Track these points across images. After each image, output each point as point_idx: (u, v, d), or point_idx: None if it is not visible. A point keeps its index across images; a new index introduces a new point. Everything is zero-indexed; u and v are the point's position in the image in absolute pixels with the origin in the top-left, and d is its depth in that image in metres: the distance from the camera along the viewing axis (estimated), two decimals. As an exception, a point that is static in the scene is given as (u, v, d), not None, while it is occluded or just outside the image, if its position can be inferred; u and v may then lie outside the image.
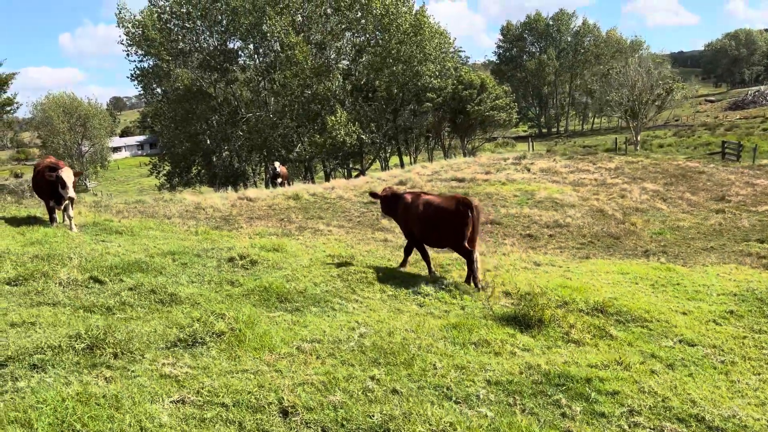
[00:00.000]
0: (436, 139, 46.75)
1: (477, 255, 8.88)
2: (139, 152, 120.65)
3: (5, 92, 17.63)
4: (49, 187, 11.62)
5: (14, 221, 12.32)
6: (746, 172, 25.35)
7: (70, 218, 12.12)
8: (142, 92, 59.89)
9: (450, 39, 41.80)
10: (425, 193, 9.71)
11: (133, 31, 50.41)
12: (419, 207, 9.20)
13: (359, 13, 43.07)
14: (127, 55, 51.89)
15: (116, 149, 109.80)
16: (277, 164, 28.36)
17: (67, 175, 11.33)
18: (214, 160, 50.54)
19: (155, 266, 9.12)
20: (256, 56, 50.46)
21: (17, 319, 6.21)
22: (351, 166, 48.98)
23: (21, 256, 8.83)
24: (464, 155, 40.94)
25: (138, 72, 53.46)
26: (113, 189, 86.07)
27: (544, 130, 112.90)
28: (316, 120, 41.19)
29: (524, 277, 9.30)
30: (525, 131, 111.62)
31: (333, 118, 36.71)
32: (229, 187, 51.15)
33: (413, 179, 24.00)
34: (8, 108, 17.00)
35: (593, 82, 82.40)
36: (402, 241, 12.01)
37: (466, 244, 8.65)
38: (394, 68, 39.36)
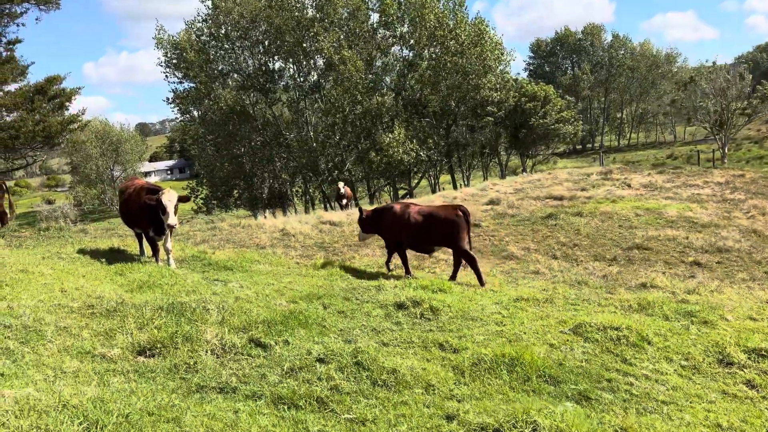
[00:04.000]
0: (492, 156, 44.28)
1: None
2: (169, 176, 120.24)
3: (68, 109, 15.69)
4: (148, 214, 9.43)
5: (98, 255, 10.14)
6: None
7: (168, 251, 9.91)
8: (179, 116, 58.85)
9: (508, 50, 39.64)
10: (415, 204, 10.64)
11: (171, 52, 49.37)
12: (413, 216, 9.95)
13: (406, 27, 41.11)
14: (166, 77, 50.88)
15: (146, 174, 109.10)
16: (341, 185, 26.13)
17: (168, 198, 9.11)
18: (257, 182, 48.65)
19: (313, 318, 6.81)
20: (297, 76, 48.77)
21: (218, 431, 3.89)
22: (399, 186, 46.70)
23: (140, 308, 6.56)
24: (524, 172, 38.45)
25: (175, 95, 52.25)
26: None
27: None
28: (368, 138, 39.07)
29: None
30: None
31: (390, 135, 34.55)
32: (267, 211, 49.36)
33: (502, 198, 21.57)
34: (73, 126, 15.11)
35: (674, 91, 79.08)
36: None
37: (465, 246, 9.65)
38: (449, 81, 37.13)
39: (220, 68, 49.29)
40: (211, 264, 10.29)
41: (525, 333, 6.36)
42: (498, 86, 38.25)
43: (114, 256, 10.32)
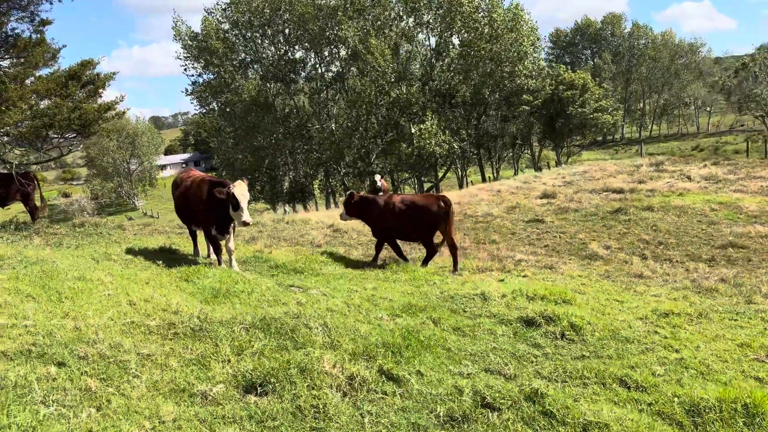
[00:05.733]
0: (523, 147, 42.69)
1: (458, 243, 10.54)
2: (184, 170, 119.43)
3: (100, 96, 14.53)
4: (213, 210, 8.24)
5: (151, 257, 8.98)
6: None
7: (230, 252, 8.74)
8: (197, 108, 57.75)
9: (541, 36, 37.98)
10: (398, 194, 11.29)
11: (191, 43, 48.08)
12: (397, 206, 10.25)
13: (432, 13, 39.54)
14: (185, 69, 49.65)
15: (161, 167, 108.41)
16: (377, 177, 24.76)
17: (241, 191, 7.91)
18: (279, 175, 47.47)
19: (434, 339, 5.60)
20: (319, 66, 47.36)
21: None
22: (424, 179, 45.28)
23: (229, 326, 5.37)
24: (559, 165, 36.95)
25: (195, 87, 51.07)
26: (162, 207, 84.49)
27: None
28: (395, 129, 37.72)
29: None
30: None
31: (422, 126, 33.19)
32: (287, 205, 48.11)
33: (557, 192, 20.22)
34: (110, 113, 13.95)
35: (725, 78, 76.56)
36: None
37: (433, 237, 10.15)
38: (481, 69, 35.58)
39: (241, 57, 48.11)
40: (278, 266, 9.12)
41: (712, 361, 5.09)
42: (534, 73, 36.71)
43: (168, 257, 9.17)
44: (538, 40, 36.58)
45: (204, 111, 55.79)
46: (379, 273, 9.23)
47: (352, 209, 10.87)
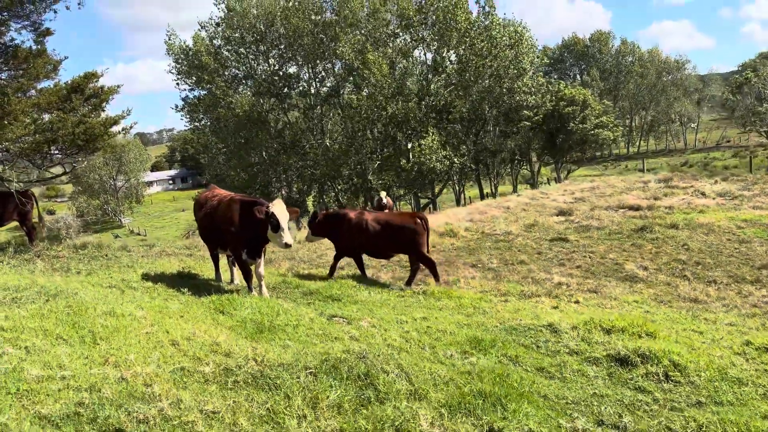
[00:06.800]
0: (522, 164, 42.33)
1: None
2: (171, 186, 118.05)
3: (103, 110, 13.75)
4: (246, 231, 7.48)
5: (173, 284, 8.18)
6: None
7: (260, 277, 7.97)
8: (187, 124, 56.80)
9: (538, 52, 37.69)
10: (368, 212, 10.96)
11: (182, 58, 47.33)
12: (370, 224, 10.05)
13: (428, 30, 39.20)
14: (177, 84, 48.94)
15: (148, 184, 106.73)
16: (383, 194, 24.15)
17: (281, 210, 7.18)
18: (273, 192, 46.62)
19: (525, 386, 4.89)
20: (313, 81, 46.79)
21: None
22: (420, 195, 44.67)
23: (292, 372, 4.62)
24: (557, 181, 36.64)
25: (186, 102, 50.25)
26: (149, 225, 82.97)
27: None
28: (392, 144, 37.15)
29: None
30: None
31: (423, 141, 32.66)
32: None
33: (573, 209, 19.68)
34: (116, 128, 13.18)
35: (726, 94, 76.82)
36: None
37: (424, 251, 10.01)
38: (480, 86, 35.22)
39: (233, 73, 47.45)
40: (312, 293, 8.35)
41: None
42: (533, 90, 36.47)
43: (190, 283, 8.38)
44: (537, 58, 36.38)
45: (194, 127, 54.84)
46: (421, 299, 8.52)
47: (318, 228, 10.51)
